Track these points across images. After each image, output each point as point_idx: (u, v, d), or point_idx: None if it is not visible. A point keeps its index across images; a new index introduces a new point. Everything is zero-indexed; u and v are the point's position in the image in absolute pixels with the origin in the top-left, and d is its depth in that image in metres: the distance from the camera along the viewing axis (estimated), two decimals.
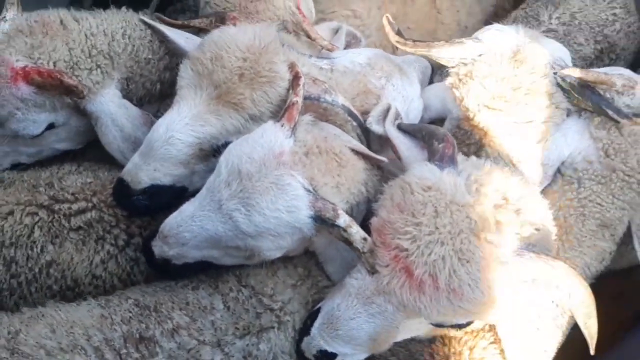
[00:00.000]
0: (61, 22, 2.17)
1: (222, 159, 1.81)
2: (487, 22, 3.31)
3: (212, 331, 1.80)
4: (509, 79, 2.17)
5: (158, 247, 1.86)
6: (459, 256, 1.57)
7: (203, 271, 1.95)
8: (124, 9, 2.39)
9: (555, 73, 2.18)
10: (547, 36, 2.87)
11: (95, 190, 2.14)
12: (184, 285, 1.92)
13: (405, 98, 2.25)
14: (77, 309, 1.79)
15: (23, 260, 2.02)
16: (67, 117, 2.24)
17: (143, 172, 1.96)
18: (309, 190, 1.73)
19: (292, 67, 1.98)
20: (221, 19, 2.25)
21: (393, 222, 1.66)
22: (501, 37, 2.27)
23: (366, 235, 1.70)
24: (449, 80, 2.30)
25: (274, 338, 1.85)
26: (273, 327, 1.86)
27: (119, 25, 2.28)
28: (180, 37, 2.24)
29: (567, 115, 2.21)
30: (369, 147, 2.08)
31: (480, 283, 1.57)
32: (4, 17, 2.14)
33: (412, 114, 2.29)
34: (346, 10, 2.78)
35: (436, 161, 1.75)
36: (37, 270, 2.03)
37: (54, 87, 2.07)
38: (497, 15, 3.33)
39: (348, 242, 1.71)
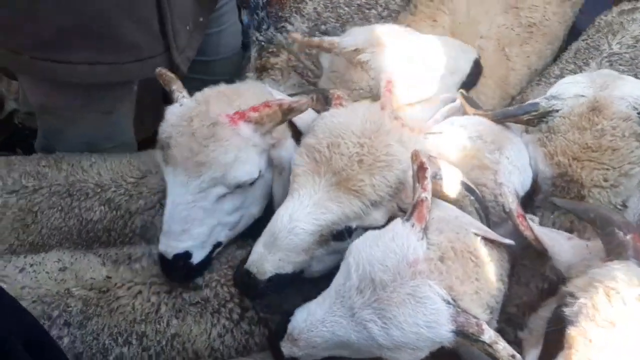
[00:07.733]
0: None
1: (352, 261, 1.57)
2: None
3: None
4: (590, 128, 1.95)
5: (287, 349, 1.65)
6: None
7: None
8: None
9: (638, 113, 1.95)
10: (610, 60, 2.66)
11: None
12: None
13: (520, 169, 1.97)
14: None
15: (153, 334, 1.99)
16: (265, 166, 2.00)
17: (269, 262, 1.78)
18: (449, 303, 1.49)
19: (415, 156, 1.70)
20: (325, 98, 2.00)
21: None
22: (575, 89, 2.03)
23: (514, 352, 1.45)
24: (536, 138, 2.05)
25: None
26: None
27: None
28: None
29: None
30: (488, 222, 1.85)
31: None
32: (182, 100, 1.99)
33: (527, 183, 2.00)
34: None
35: (631, 257, 1.45)
36: (164, 342, 1.98)
37: (271, 117, 1.88)
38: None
39: (494, 358, 1.46)
